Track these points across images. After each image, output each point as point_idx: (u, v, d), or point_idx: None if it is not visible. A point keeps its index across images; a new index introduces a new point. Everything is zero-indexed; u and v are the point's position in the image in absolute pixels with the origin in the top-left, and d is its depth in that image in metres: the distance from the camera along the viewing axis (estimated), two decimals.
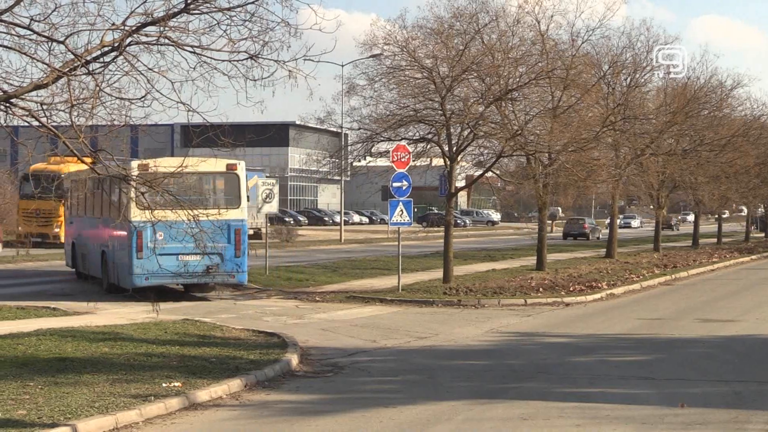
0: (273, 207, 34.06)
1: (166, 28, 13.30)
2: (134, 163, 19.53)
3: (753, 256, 50.23)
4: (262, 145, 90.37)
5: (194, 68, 13.80)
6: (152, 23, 13.27)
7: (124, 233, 23.84)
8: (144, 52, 13.72)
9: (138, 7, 13.34)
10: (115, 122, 14.32)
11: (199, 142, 14.66)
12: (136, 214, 18.80)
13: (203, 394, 13.03)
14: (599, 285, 29.57)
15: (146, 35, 13.45)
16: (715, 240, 64.12)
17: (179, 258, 22.00)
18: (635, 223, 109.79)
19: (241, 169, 25.15)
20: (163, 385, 13.29)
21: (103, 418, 11.41)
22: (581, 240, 69.10)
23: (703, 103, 47.89)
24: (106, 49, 13.31)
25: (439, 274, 30.88)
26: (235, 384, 13.76)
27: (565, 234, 72.74)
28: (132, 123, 14.99)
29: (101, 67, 13.52)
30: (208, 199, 24.29)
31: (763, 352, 17.72)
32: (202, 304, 24.68)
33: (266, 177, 45.24)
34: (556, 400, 13.10)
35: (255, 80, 13.98)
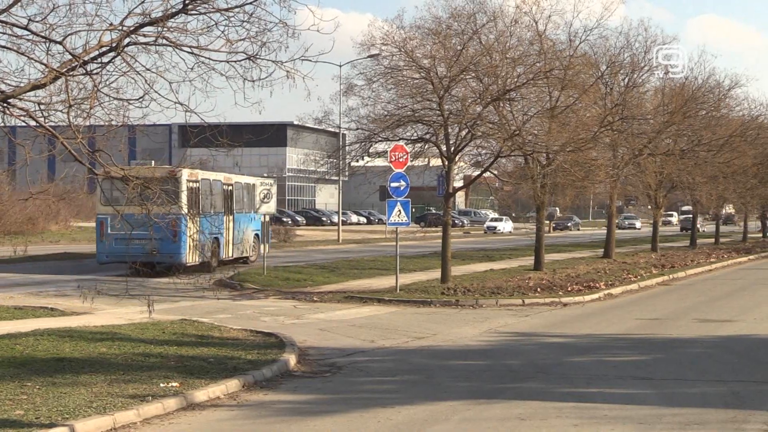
0: (271, 207, 34.04)
1: (164, 29, 13.32)
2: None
3: (751, 257, 50.28)
4: (260, 145, 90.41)
5: (192, 69, 13.83)
6: (150, 24, 13.28)
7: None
8: (142, 53, 13.75)
9: (136, 7, 13.36)
10: (113, 122, 14.34)
11: (196, 142, 14.67)
12: (100, 209, 31.62)
13: (201, 395, 13.03)
14: (597, 285, 29.58)
15: (144, 36, 13.46)
16: (713, 240, 64.13)
17: (128, 242, 25.07)
18: (638, 224, 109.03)
19: (182, 175, 31.02)
20: (161, 385, 13.29)
21: (100, 418, 11.41)
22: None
23: (701, 103, 47.91)
24: (104, 49, 13.32)
25: (437, 274, 30.88)
26: (233, 384, 13.76)
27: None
28: (130, 123, 15.00)
29: (99, 67, 13.53)
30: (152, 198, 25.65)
31: (761, 352, 17.72)
32: (199, 304, 24.68)
33: (264, 178, 44.92)
34: (554, 400, 13.10)
35: (253, 81, 14.01)
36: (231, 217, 36.63)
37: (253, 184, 37.60)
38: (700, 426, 11.55)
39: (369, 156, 32.97)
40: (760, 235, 78.73)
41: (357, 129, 31.26)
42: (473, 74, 29.76)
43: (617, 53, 41.68)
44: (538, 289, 27.95)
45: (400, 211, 27.62)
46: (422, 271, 34.43)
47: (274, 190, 33.64)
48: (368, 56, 31.29)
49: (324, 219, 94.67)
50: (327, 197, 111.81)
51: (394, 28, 29.82)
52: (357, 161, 33.91)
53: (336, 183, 71.19)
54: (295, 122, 74.83)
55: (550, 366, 16.06)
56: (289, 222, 79.06)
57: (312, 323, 21.58)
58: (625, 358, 17.19)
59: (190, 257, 32.67)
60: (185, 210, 26.48)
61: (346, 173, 43.70)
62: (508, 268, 36.74)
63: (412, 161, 30.75)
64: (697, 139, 47.78)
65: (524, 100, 31.84)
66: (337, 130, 39.09)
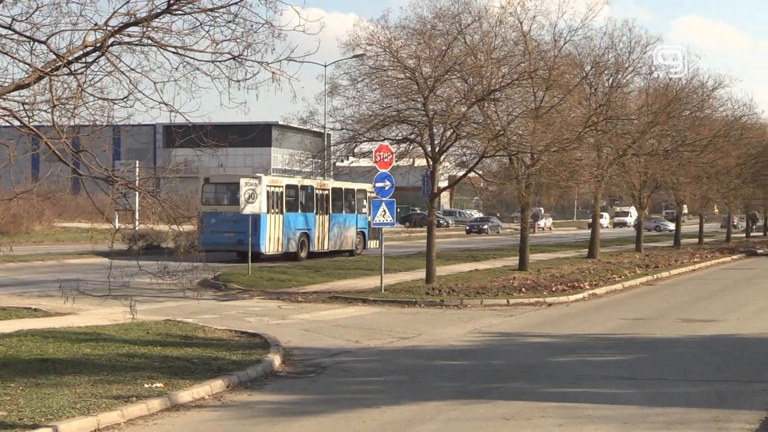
0: (256, 207, 34.05)
1: (149, 29, 13.30)
2: None
3: (734, 256, 50.46)
4: (245, 145, 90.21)
5: (177, 69, 13.81)
6: (135, 23, 13.26)
7: None
8: (127, 53, 13.73)
9: (121, 7, 13.34)
10: (98, 122, 14.30)
11: (182, 142, 14.65)
12: (201, 208, 39.45)
13: (185, 395, 13.02)
14: (581, 285, 29.65)
15: (129, 35, 13.44)
16: (696, 240, 64.34)
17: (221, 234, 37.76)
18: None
19: (263, 181, 36.43)
20: (145, 385, 13.27)
21: (84, 419, 11.38)
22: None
23: (685, 103, 48.09)
24: (88, 49, 13.30)
25: (422, 274, 30.92)
26: (217, 384, 13.74)
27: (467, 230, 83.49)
28: (114, 123, 14.97)
29: (83, 67, 13.50)
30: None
31: (744, 351, 17.79)
32: (184, 305, 24.63)
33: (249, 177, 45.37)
34: (538, 399, 13.13)
35: (239, 81, 14.00)
36: (326, 216, 43.87)
37: (356, 189, 44.98)
38: (684, 426, 11.59)
39: (354, 156, 32.98)
40: (743, 235, 79.03)
41: (342, 129, 31.29)
42: (458, 74, 29.80)
43: (602, 54, 41.80)
44: (523, 289, 28.00)
45: (385, 211, 27.63)
46: (407, 272, 34.44)
47: (259, 190, 33.62)
48: (353, 56, 31.31)
49: None
50: None
51: (379, 29, 29.85)
52: (342, 161, 33.93)
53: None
54: (280, 122, 74.70)
55: (535, 366, 16.10)
56: None
57: (297, 323, 21.58)
58: (609, 358, 17.23)
59: (270, 247, 39.73)
60: (265, 210, 38.40)
61: (331, 173, 43.69)
62: (493, 269, 36.78)
63: (397, 161, 30.76)
64: (681, 140, 47.97)
65: (509, 101, 31.89)
66: (322, 131, 39.09)
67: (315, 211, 43.34)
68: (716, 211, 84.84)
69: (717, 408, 12.54)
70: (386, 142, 29.40)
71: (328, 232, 44.41)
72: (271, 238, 40.06)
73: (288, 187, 41.71)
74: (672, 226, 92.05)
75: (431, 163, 29.84)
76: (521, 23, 33.42)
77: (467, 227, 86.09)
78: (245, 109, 14.67)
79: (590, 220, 55.67)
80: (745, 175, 60.46)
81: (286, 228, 41.03)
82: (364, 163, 34.52)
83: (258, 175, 39.60)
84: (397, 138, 30.90)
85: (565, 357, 17.31)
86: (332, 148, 33.41)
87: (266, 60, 13.94)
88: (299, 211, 42.13)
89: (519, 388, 14.12)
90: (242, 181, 33.99)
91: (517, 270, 35.29)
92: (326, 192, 44.20)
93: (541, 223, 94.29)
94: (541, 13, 36.60)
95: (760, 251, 55.03)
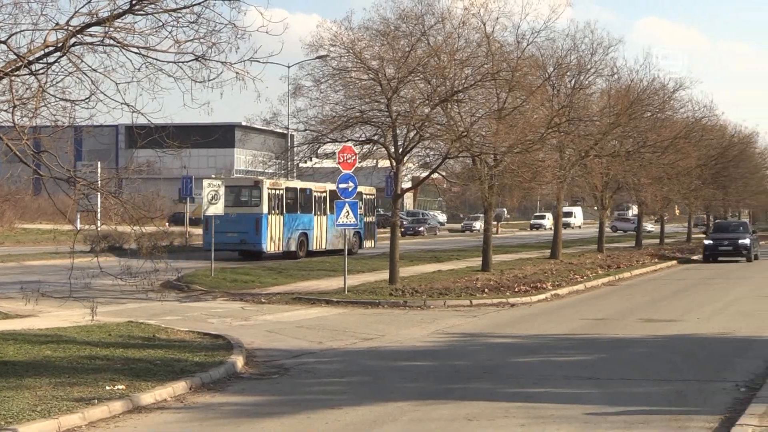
0: (218, 208, 33.94)
1: (111, 29, 13.24)
2: None
3: (694, 257, 50.84)
4: (208, 146, 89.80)
5: (140, 69, 13.77)
6: (97, 23, 13.19)
7: None
8: (89, 53, 13.67)
9: (82, 7, 13.27)
10: (59, 123, 14.22)
11: (144, 143, 14.59)
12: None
13: (147, 397, 12.95)
14: (544, 285, 29.78)
15: (91, 35, 13.37)
16: (658, 241, 64.78)
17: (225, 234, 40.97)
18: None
19: (264, 184, 40.68)
20: (107, 388, 13.19)
21: (45, 422, 11.29)
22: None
23: (646, 105, 48.49)
24: (49, 49, 13.22)
25: (385, 275, 30.94)
26: (179, 386, 13.69)
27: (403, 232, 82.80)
28: (76, 124, 14.89)
29: (44, 67, 13.43)
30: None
31: (704, 351, 17.94)
32: (147, 306, 24.52)
33: (212, 178, 45.47)
34: (501, 400, 13.18)
35: (202, 82, 13.97)
36: (324, 217, 45.91)
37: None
38: (645, 425, 11.67)
39: (317, 157, 32.95)
40: (703, 235, 79.65)
41: (305, 130, 31.22)
42: (421, 75, 29.84)
43: (564, 55, 42.02)
44: (486, 290, 28.09)
45: (348, 212, 27.63)
46: (370, 272, 34.45)
47: (221, 191, 33.51)
48: (316, 57, 31.29)
49: None
50: None
51: (342, 30, 29.83)
52: (305, 162, 33.89)
53: None
54: (244, 123, 74.49)
55: (498, 366, 16.15)
56: None
57: (260, 325, 21.53)
58: (572, 358, 17.32)
59: (271, 247, 42.29)
60: (266, 211, 41.72)
61: (295, 174, 43.67)
62: (456, 269, 36.87)
63: (360, 162, 30.79)
64: (642, 141, 48.31)
65: (472, 102, 31.99)
66: (286, 132, 39.02)
67: (313, 212, 45.66)
68: (677, 212, 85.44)
69: (678, 407, 12.63)
70: (350, 143, 29.41)
71: (325, 232, 46.53)
72: (272, 238, 42.57)
73: (288, 189, 43.70)
74: (650, 227, 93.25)
75: (395, 164, 29.87)
76: (484, 25, 33.57)
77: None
78: (208, 109, 14.66)
79: (531, 222, 55.92)
80: (705, 176, 61.09)
81: (286, 228, 43.40)
82: (328, 164, 34.50)
83: (260, 178, 42.83)
84: (360, 139, 30.92)
85: (527, 357, 17.38)
86: (295, 148, 33.35)
87: (230, 60, 13.94)
88: (298, 212, 44.41)
89: (482, 389, 14.16)
90: (205, 183, 33.87)
91: (480, 271, 35.40)
92: (324, 194, 45.85)
93: (477, 225, 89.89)
94: (504, 14, 36.70)
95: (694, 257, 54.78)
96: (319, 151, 32.17)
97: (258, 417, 12.46)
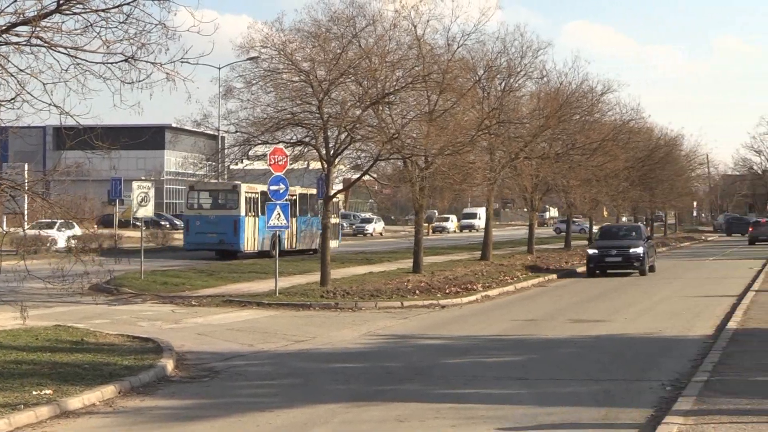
0: (148, 210, 33.65)
1: (38, 29, 13.06)
2: None
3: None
4: (138, 148, 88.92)
5: (67, 70, 13.59)
6: (23, 23, 13.02)
7: None
8: (15, 53, 13.45)
9: (8, 6, 13.08)
10: None
11: (72, 144, 14.42)
12: (187, 212, 46.47)
13: (75, 401, 12.80)
14: (474, 287, 29.95)
15: (17, 35, 13.19)
16: (586, 242, 65.48)
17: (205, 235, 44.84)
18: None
19: (241, 188, 44.21)
20: (34, 392, 13.01)
21: None
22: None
23: (575, 107, 49.04)
24: None
25: (316, 277, 30.91)
26: (108, 390, 13.55)
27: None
28: (2, 125, 14.67)
29: None
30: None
31: (631, 351, 18.18)
32: (75, 310, 24.23)
33: (142, 180, 45.48)
34: (432, 401, 13.24)
35: (131, 83, 13.83)
36: (294, 219, 46.55)
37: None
38: (574, 424, 11.80)
39: (248, 159, 32.79)
40: None
41: (236, 132, 31.05)
42: (353, 77, 29.87)
43: (494, 58, 42.35)
44: (417, 292, 28.18)
45: (279, 214, 27.54)
46: (302, 275, 34.40)
47: (151, 193, 33.22)
48: (247, 59, 31.16)
49: None
50: None
51: (273, 31, 29.73)
52: (236, 164, 33.73)
53: None
54: (174, 125, 73.86)
55: (429, 368, 16.22)
56: (168, 226, 78.01)
57: (190, 327, 21.40)
58: (502, 359, 17.46)
59: (248, 246, 44.44)
60: (243, 213, 44.47)
61: (226, 176, 43.44)
62: (387, 271, 36.93)
63: (291, 164, 30.73)
64: (571, 143, 48.84)
65: (403, 104, 32.07)
66: (217, 133, 38.84)
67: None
68: (605, 213, 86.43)
69: (606, 407, 12.80)
70: (281, 145, 29.33)
71: (296, 233, 49.24)
72: (248, 238, 45.19)
73: (262, 193, 43.93)
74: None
75: (326, 166, 29.85)
76: (415, 27, 33.71)
77: None
78: (138, 110, 14.52)
79: (427, 224, 56.18)
80: (633, 178, 61.94)
81: (261, 229, 45.14)
82: (259, 165, 34.37)
83: (237, 183, 44.02)
84: (291, 141, 30.85)
85: (458, 358, 17.48)
86: (226, 150, 33.17)
87: (160, 61, 13.82)
88: None
89: (413, 390, 14.21)
90: (134, 185, 33.58)
91: (412, 272, 35.48)
92: (294, 197, 47.31)
93: (370, 228, 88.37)
94: (434, 17, 36.80)
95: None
96: (250, 153, 32.02)
97: (188, 420, 12.38)
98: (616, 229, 44.21)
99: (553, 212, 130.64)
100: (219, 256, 45.56)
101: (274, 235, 45.46)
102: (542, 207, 72.23)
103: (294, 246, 49.43)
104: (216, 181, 44.07)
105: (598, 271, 38.31)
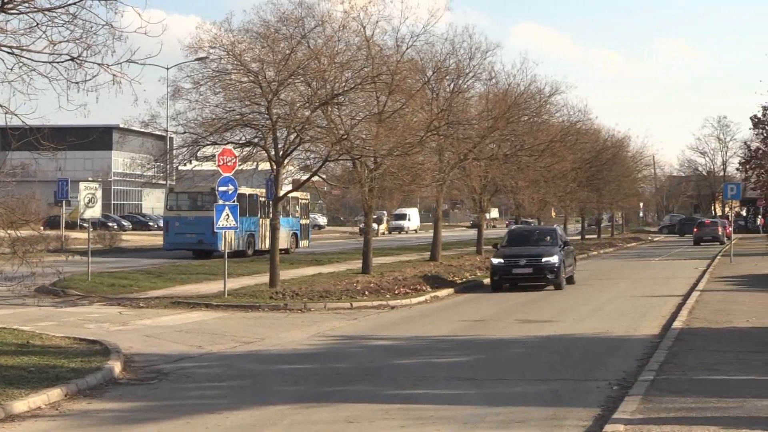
0: (96, 212, 33.36)
1: None
2: None
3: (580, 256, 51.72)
4: (85, 148, 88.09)
5: (12, 69, 13.47)
6: None
7: None
8: None
9: None
10: None
11: (18, 145, 14.28)
12: (166, 213, 48.31)
13: (21, 405, 12.66)
14: (423, 288, 30.02)
15: None
16: None
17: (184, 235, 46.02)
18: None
19: None
20: None
21: None
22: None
23: (523, 109, 49.38)
24: None
25: (265, 278, 30.84)
26: (54, 393, 13.42)
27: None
28: None
29: None
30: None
31: (579, 351, 18.32)
32: (21, 312, 23.96)
33: (89, 181, 45.13)
34: (381, 402, 13.26)
35: (77, 83, 13.73)
36: (267, 220, 45.94)
37: (290, 197, 46.76)
38: (521, 424, 11.88)
39: (197, 160, 32.65)
40: (579, 237, 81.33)
41: (185, 133, 30.88)
42: (302, 78, 29.83)
43: (443, 59, 42.57)
44: (366, 293, 28.20)
45: (228, 215, 27.42)
46: (250, 276, 34.30)
47: (99, 194, 32.94)
48: (196, 59, 31.03)
49: (151, 223, 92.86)
50: (154, 201, 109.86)
51: (222, 32, 29.60)
52: (185, 165, 33.55)
53: (163, 187, 70.12)
54: (121, 125, 73.34)
55: (378, 368, 16.25)
56: (115, 227, 77.47)
57: (138, 329, 21.25)
58: (451, 360, 17.51)
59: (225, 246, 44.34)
60: None
61: (174, 177, 43.19)
62: (337, 272, 36.93)
63: (240, 165, 30.62)
64: (519, 144, 49.15)
65: (352, 105, 32.11)
66: (165, 134, 38.64)
67: (259, 215, 49.45)
68: (553, 214, 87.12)
69: (553, 406, 12.88)
70: (230, 146, 29.22)
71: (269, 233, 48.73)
72: (225, 238, 44.75)
73: (239, 195, 45.27)
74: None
75: (275, 167, 29.79)
76: (364, 28, 33.75)
77: None
78: (85, 111, 14.43)
79: (479, 224, 56.10)
80: (580, 179, 62.49)
81: (237, 230, 45.36)
82: (208, 166, 34.22)
83: (215, 186, 44.66)
84: (240, 142, 30.75)
85: (407, 359, 17.51)
86: (175, 151, 32.98)
87: (107, 62, 13.74)
88: (247, 215, 46.77)
89: (362, 391, 14.23)
90: (81, 186, 33.26)
91: (361, 273, 35.51)
92: (264, 199, 48.20)
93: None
94: (383, 18, 36.85)
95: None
96: (198, 154, 31.88)
97: (136, 423, 12.30)
98: (527, 233, 36.77)
99: (494, 213, 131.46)
100: (195, 255, 46.53)
101: (249, 236, 48.55)
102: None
103: (267, 246, 49.47)
104: (198, 184, 45.28)
105: (506, 285, 31.89)
